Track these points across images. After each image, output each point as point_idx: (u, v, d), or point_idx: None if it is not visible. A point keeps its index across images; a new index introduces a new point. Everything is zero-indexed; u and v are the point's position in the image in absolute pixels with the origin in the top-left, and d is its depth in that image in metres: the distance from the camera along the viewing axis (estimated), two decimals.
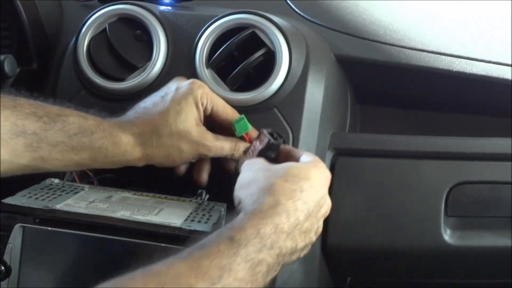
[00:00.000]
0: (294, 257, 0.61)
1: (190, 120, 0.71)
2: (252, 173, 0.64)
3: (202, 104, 0.72)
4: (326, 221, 0.87)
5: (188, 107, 0.71)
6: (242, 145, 0.74)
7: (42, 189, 0.71)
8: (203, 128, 0.72)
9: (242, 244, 0.53)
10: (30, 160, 0.62)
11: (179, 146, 0.70)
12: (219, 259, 0.51)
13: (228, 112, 0.75)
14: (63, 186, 0.74)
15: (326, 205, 0.66)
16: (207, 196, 0.78)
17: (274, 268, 0.56)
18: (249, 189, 0.62)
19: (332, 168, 0.87)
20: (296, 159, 0.70)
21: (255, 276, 0.53)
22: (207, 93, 0.73)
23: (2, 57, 0.83)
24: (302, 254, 0.62)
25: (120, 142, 0.68)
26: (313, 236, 0.63)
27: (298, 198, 0.60)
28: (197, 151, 0.71)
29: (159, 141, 0.69)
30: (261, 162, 0.67)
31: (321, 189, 0.64)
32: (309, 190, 0.61)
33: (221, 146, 0.73)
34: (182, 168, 0.76)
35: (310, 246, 0.63)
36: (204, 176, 0.77)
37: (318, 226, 0.64)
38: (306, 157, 0.69)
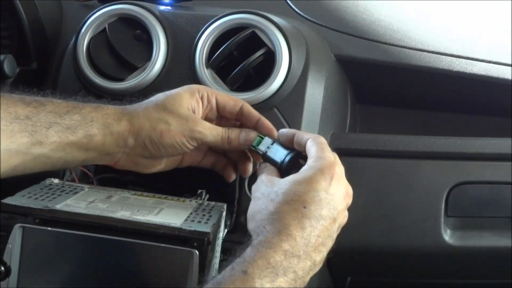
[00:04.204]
0: (315, 270, 0.60)
1: (179, 101, 0.69)
2: (255, 203, 0.63)
3: (201, 96, 0.70)
4: None
5: (181, 92, 0.70)
6: (236, 130, 0.71)
7: (42, 189, 0.71)
8: (197, 116, 0.70)
9: (256, 277, 0.53)
10: (29, 146, 0.62)
11: (166, 119, 0.67)
12: None
13: (234, 99, 0.73)
14: (62, 186, 0.74)
15: (342, 212, 0.63)
16: (207, 196, 0.78)
17: None
18: (254, 221, 0.61)
19: None
20: (302, 146, 0.67)
21: None
22: (207, 88, 0.72)
23: (2, 57, 0.83)
24: (322, 263, 0.61)
25: (109, 113, 0.67)
26: (329, 245, 0.61)
27: (302, 216, 0.58)
28: (188, 129, 0.68)
29: (145, 112, 0.68)
30: (262, 185, 0.64)
31: (331, 196, 0.61)
32: (315, 204, 0.59)
33: (215, 128, 0.70)
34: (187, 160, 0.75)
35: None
36: (230, 173, 0.76)
37: (334, 233, 0.62)
38: (312, 149, 0.65)
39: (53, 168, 0.67)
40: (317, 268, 0.60)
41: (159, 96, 0.70)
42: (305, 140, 0.67)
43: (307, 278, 0.58)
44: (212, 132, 0.69)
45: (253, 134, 0.71)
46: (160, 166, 0.73)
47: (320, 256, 0.59)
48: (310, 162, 0.64)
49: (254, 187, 0.66)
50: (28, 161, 0.63)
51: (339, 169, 0.64)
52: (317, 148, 0.65)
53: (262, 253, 0.55)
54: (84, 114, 0.66)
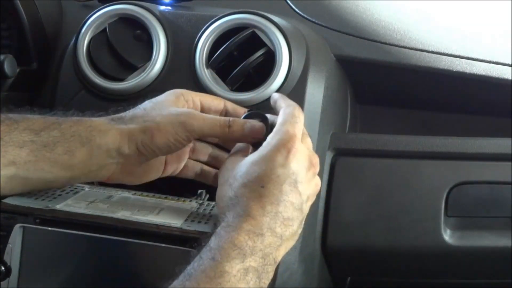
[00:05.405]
0: (288, 245, 0.60)
1: (166, 104, 0.67)
2: (218, 190, 0.63)
3: (186, 100, 0.69)
4: (326, 221, 0.87)
5: (166, 96, 0.68)
6: (238, 119, 0.67)
7: None
8: (187, 109, 0.68)
9: (225, 261, 0.53)
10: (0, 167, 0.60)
11: (154, 118, 0.65)
12: (210, 285, 0.51)
13: (217, 98, 0.72)
14: None
15: (307, 183, 0.62)
16: (207, 196, 0.78)
17: (266, 270, 0.56)
18: (217, 208, 0.62)
19: (332, 168, 0.87)
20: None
21: (248, 285, 0.53)
22: (189, 91, 0.70)
23: (2, 57, 0.83)
24: (297, 236, 0.61)
25: (93, 125, 0.64)
26: (299, 218, 0.60)
27: (260, 195, 0.58)
28: (178, 122, 0.64)
29: (132, 118, 0.66)
30: (225, 169, 0.63)
31: (290, 170, 0.59)
32: (272, 182, 0.58)
33: (210, 117, 0.66)
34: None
35: (302, 224, 0.62)
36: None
37: (304, 204, 0.61)
38: (278, 122, 0.63)
39: (35, 188, 0.65)
40: (290, 243, 0.60)
41: (146, 104, 0.68)
42: (279, 110, 0.66)
43: (279, 255, 0.58)
44: (206, 122, 0.65)
45: (258, 124, 0.66)
46: (151, 175, 0.72)
47: (289, 231, 0.59)
48: (268, 138, 0.62)
49: (218, 172, 0.65)
50: (3, 183, 0.61)
51: (298, 142, 0.62)
52: (280, 121, 0.63)
53: (225, 238, 0.55)
54: (64, 130, 0.63)
